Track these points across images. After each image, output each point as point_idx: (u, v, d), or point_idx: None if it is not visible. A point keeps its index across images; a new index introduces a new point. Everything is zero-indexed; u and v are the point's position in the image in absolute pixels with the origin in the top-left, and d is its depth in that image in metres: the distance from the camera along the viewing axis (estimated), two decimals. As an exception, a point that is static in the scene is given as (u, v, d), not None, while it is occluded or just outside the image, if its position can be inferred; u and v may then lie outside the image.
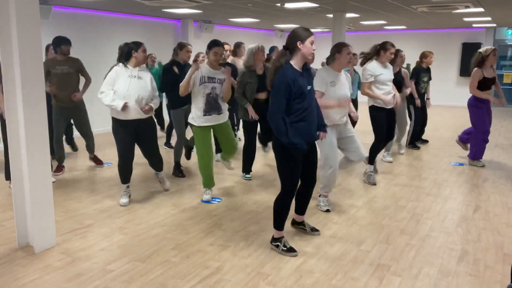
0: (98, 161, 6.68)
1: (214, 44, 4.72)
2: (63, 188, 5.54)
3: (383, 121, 5.62)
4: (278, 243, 3.68)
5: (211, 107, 4.76)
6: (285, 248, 3.65)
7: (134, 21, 10.41)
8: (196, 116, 4.78)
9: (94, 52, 9.33)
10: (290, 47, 3.40)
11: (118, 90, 4.57)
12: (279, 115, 3.32)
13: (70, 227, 4.27)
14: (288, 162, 3.48)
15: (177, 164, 6.04)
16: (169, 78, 5.63)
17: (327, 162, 4.51)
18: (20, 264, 3.49)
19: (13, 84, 3.50)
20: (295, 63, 3.42)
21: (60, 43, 5.91)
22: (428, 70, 7.74)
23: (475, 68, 6.27)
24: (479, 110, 6.40)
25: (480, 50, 6.35)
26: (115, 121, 4.70)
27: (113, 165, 6.65)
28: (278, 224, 3.68)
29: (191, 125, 4.91)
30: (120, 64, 4.69)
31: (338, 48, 4.46)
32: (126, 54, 4.70)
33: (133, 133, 4.76)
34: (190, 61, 5.93)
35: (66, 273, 3.34)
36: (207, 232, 4.15)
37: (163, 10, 9.38)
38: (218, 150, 6.40)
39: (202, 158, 4.89)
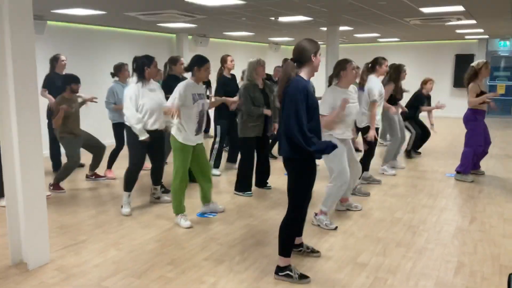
0: (98, 176, 6.67)
1: (206, 60, 4.67)
2: (57, 203, 5.50)
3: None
4: (288, 272, 3.38)
5: (200, 125, 4.70)
6: (297, 276, 3.38)
7: (129, 35, 10.44)
8: (187, 137, 4.57)
9: (89, 67, 9.33)
10: (302, 60, 3.31)
11: (146, 105, 4.87)
12: (299, 125, 3.12)
13: (64, 243, 4.23)
14: (304, 182, 3.34)
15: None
16: (166, 91, 5.51)
17: (342, 177, 4.41)
18: (14, 281, 3.45)
19: (7, 101, 3.49)
20: (305, 75, 3.33)
21: (71, 82, 5.91)
22: (428, 98, 8.04)
23: (471, 84, 6.25)
24: (478, 123, 6.37)
25: (473, 64, 6.37)
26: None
27: (108, 181, 6.62)
28: (287, 250, 3.40)
29: (174, 143, 4.63)
30: (137, 81, 4.89)
31: (342, 66, 4.48)
32: (139, 69, 4.89)
33: (147, 143, 5.00)
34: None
35: (60, 290, 3.30)
36: (203, 246, 4.12)
37: (158, 24, 9.43)
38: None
39: (182, 180, 4.62)
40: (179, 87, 4.55)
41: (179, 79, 5.73)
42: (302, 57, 3.30)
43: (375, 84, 5.80)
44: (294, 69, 3.30)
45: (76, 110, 6.05)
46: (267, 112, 5.57)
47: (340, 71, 4.49)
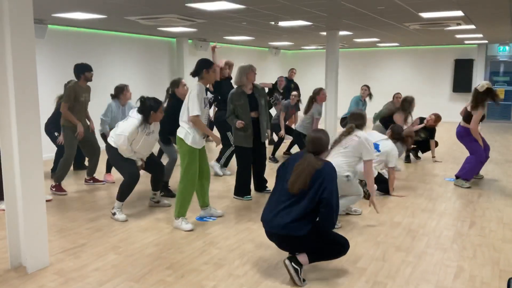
0: (96, 180, 6.66)
1: (212, 62, 4.75)
2: (57, 207, 5.50)
3: None
4: (300, 269, 3.40)
5: None
6: (302, 278, 3.44)
7: (130, 39, 10.47)
8: (197, 140, 4.63)
9: (89, 71, 9.35)
10: (321, 150, 3.64)
11: (135, 146, 4.93)
12: (338, 202, 3.51)
13: (64, 246, 4.22)
14: (327, 233, 3.54)
15: (166, 184, 5.90)
16: (172, 112, 5.37)
17: (360, 190, 4.92)
18: (12, 285, 3.44)
19: (7, 104, 3.49)
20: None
21: (84, 70, 5.93)
22: (427, 129, 8.11)
23: (480, 110, 6.16)
24: (472, 137, 6.34)
25: (492, 88, 6.21)
26: None
27: (107, 184, 6.62)
28: (316, 261, 3.57)
29: (181, 147, 4.64)
30: (140, 123, 4.83)
31: (365, 120, 4.99)
32: (145, 112, 4.82)
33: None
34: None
35: (59, 294, 3.29)
36: (202, 250, 4.12)
37: (158, 28, 9.45)
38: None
39: (189, 183, 4.66)
40: (195, 92, 4.55)
41: (181, 101, 5.56)
42: (321, 147, 3.64)
43: (395, 149, 6.04)
44: (318, 159, 3.59)
45: (85, 100, 6.09)
46: (239, 123, 5.53)
47: (363, 124, 4.99)
